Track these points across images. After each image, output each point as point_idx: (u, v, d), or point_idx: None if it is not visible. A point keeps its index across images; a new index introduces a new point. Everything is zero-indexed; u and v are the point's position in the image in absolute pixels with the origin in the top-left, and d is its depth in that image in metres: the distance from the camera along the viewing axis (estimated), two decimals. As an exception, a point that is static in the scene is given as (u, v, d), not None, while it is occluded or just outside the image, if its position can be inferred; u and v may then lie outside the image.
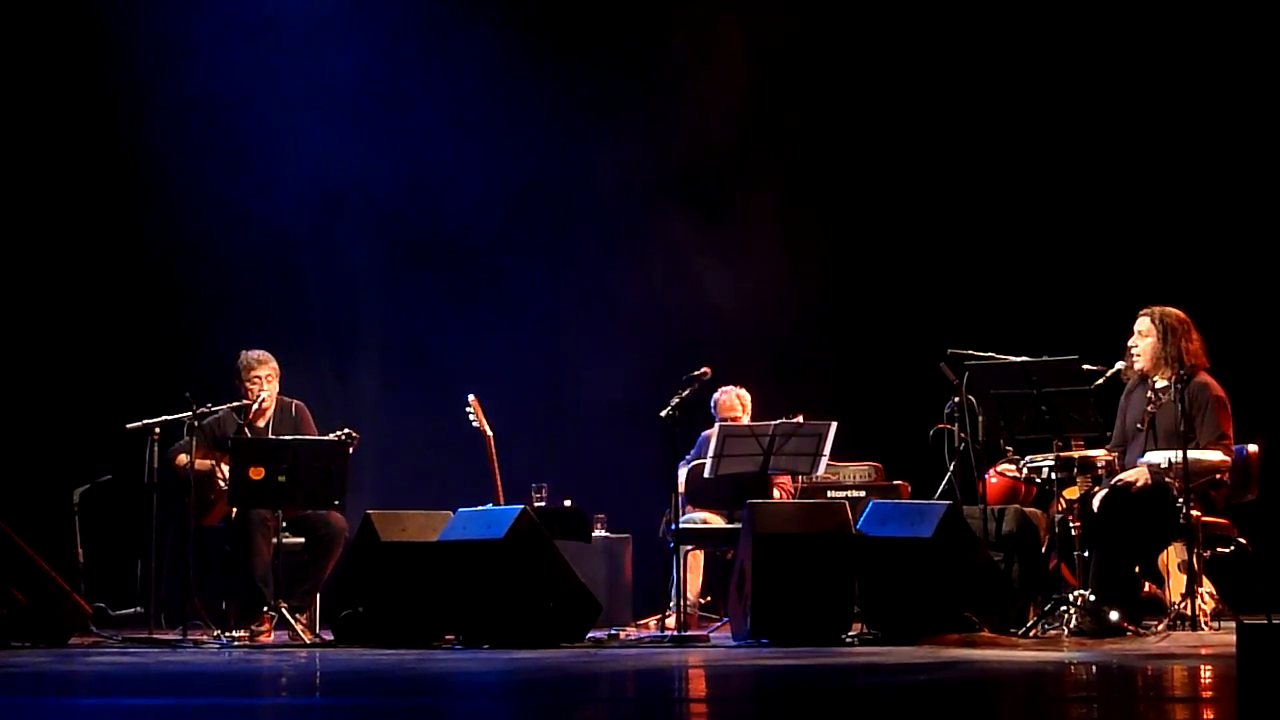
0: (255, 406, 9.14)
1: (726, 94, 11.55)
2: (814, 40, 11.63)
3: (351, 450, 8.71)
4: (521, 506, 8.36)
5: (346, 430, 8.81)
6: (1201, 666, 6.55)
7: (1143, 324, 8.59)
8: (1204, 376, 8.46)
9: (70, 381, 11.19)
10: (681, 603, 8.93)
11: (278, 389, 9.27)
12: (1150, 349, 8.54)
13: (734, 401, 9.94)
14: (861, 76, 11.55)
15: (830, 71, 11.59)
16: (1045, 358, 8.33)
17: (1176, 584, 8.27)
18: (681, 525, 9.12)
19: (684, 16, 11.70)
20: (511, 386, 11.03)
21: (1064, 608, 8.10)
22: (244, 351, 9.27)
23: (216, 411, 9.07)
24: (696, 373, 9.05)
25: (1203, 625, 8.03)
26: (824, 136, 11.57)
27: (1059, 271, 11.08)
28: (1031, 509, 8.78)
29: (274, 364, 9.26)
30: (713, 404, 9.97)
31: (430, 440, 11.08)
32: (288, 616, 8.56)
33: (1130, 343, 8.61)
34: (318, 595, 9.03)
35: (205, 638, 8.61)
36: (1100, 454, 8.40)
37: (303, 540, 9.07)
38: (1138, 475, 8.31)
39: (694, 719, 5.39)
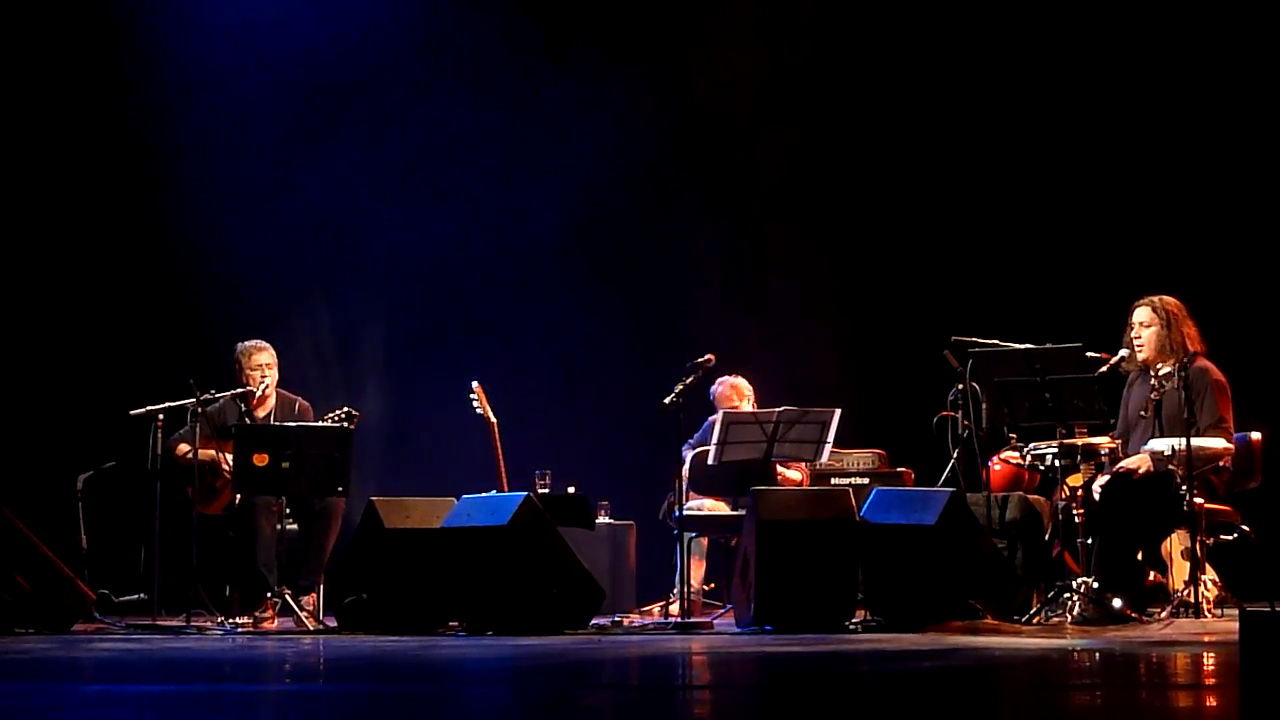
0: (259, 394, 9.15)
1: (733, 75, 11.58)
2: (819, 29, 11.61)
3: (352, 427, 8.71)
4: (525, 493, 8.37)
5: (347, 409, 8.81)
6: (1205, 654, 6.55)
7: (1143, 314, 8.58)
8: (1203, 362, 8.47)
9: (74, 368, 11.18)
10: (685, 590, 8.93)
11: (277, 379, 9.28)
12: (1154, 338, 8.53)
13: (730, 393, 9.86)
14: (866, 63, 11.52)
15: (835, 59, 11.56)
16: (1049, 345, 8.32)
17: (1180, 571, 8.26)
18: (685, 512, 9.11)
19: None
20: (515, 373, 11.02)
21: (1067, 595, 8.10)
22: (242, 341, 9.28)
23: (219, 399, 9.07)
24: (700, 359, 9.02)
25: (1206, 612, 8.03)
26: (828, 124, 11.54)
27: (1063, 259, 11.05)
28: (1035, 496, 8.78)
29: (272, 352, 9.27)
30: (711, 396, 9.93)
31: (434, 427, 11.07)
32: (291, 603, 8.57)
33: (1133, 334, 8.59)
34: (322, 574, 9.04)
35: (209, 624, 8.62)
36: (1104, 441, 8.39)
37: (301, 526, 9.07)
38: (1139, 462, 8.31)
39: (697, 706, 5.39)
